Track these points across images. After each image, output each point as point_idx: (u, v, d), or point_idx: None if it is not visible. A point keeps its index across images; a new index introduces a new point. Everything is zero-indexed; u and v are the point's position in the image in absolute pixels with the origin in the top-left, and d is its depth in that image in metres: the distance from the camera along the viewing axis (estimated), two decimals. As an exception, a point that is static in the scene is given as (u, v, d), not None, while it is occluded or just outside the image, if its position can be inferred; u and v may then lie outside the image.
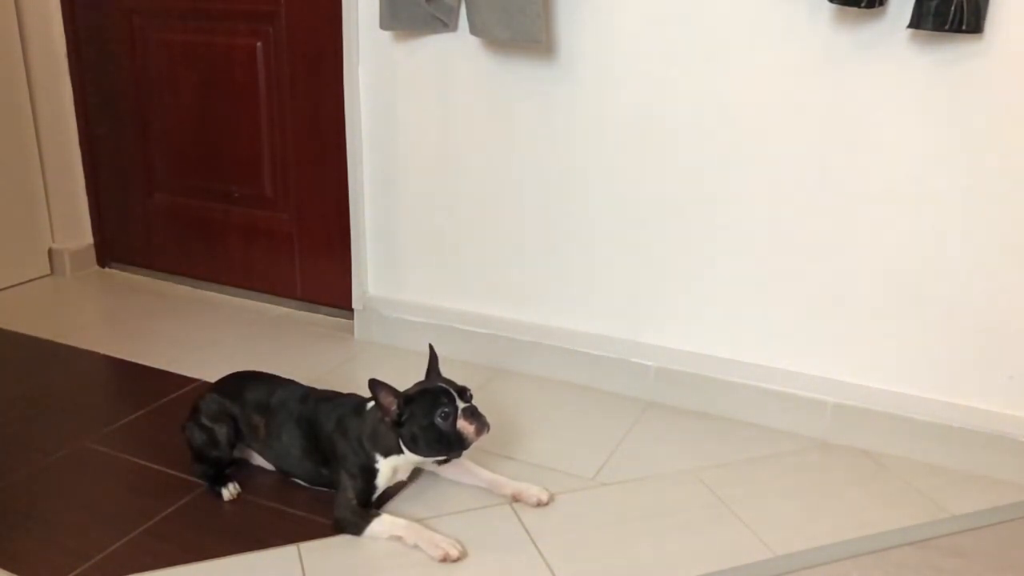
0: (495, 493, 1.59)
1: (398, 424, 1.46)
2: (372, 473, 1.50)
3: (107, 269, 2.86)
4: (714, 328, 1.88)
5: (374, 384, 1.44)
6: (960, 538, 1.48)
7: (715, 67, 1.73)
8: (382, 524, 1.46)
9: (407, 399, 1.47)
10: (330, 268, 2.40)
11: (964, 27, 1.45)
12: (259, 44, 2.34)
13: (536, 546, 1.44)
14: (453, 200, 2.08)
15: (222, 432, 1.59)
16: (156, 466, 1.68)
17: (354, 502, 1.48)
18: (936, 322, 1.68)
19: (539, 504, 1.55)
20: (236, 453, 1.63)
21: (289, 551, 1.43)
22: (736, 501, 1.58)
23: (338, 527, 1.48)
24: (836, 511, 1.56)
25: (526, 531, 1.49)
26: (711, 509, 1.56)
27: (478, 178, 2.04)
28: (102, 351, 2.21)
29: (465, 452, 1.52)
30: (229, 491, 1.56)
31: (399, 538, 1.44)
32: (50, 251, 2.77)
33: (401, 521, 1.46)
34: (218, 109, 2.46)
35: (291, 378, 1.68)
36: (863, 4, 1.50)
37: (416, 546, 1.42)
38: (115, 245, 2.83)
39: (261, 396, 1.61)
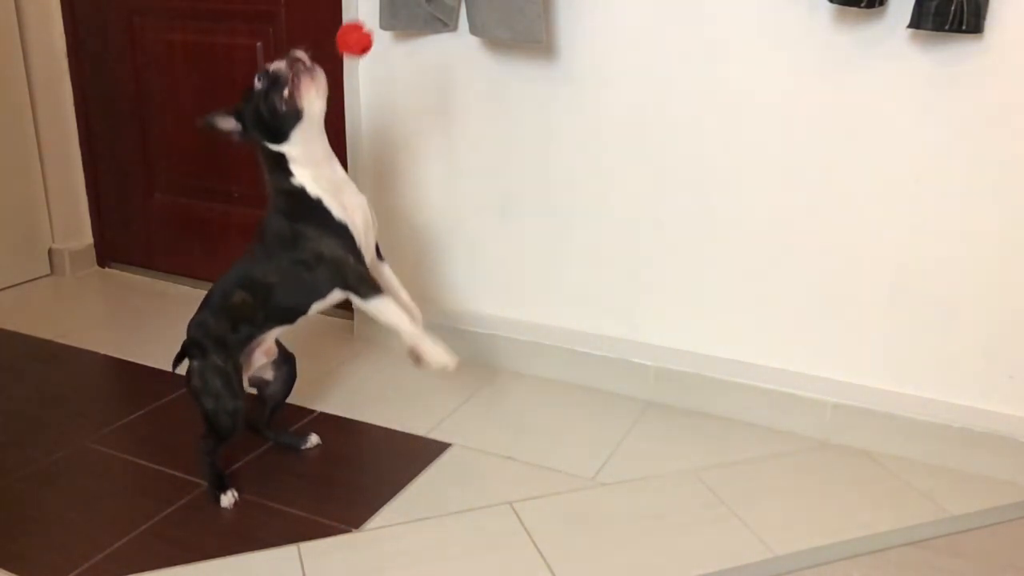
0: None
1: (247, 130, 1.45)
2: (318, 208, 1.44)
3: (107, 269, 2.86)
4: (714, 328, 1.88)
5: (202, 123, 1.44)
6: (960, 538, 1.48)
7: (715, 67, 1.73)
8: (388, 306, 1.38)
9: (237, 106, 1.45)
10: (330, 268, 2.39)
11: (964, 27, 1.45)
12: (259, 44, 2.34)
13: (536, 546, 1.44)
14: (452, 200, 2.08)
15: (230, 367, 1.53)
16: (156, 466, 1.68)
17: (352, 260, 1.43)
18: (936, 322, 1.68)
19: (444, 370, 1.39)
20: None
21: (289, 551, 1.43)
22: (736, 501, 1.58)
23: (350, 288, 1.44)
24: (836, 511, 1.56)
25: (526, 531, 1.49)
26: (711, 509, 1.56)
27: (477, 178, 2.04)
28: (102, 351, 2.21)
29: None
30: (228, 498, 1.55)
31: (398, 333, 1.34)
32: (50, 251, 2.77)
33: (407, 317, 1.36)
34: (218, 109, 2.45)
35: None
36: (863, 4, 1.50)
37: (412, 351, 1.32)
38: (115, 245, 2.83)
39: (236, 278, 1.55)
